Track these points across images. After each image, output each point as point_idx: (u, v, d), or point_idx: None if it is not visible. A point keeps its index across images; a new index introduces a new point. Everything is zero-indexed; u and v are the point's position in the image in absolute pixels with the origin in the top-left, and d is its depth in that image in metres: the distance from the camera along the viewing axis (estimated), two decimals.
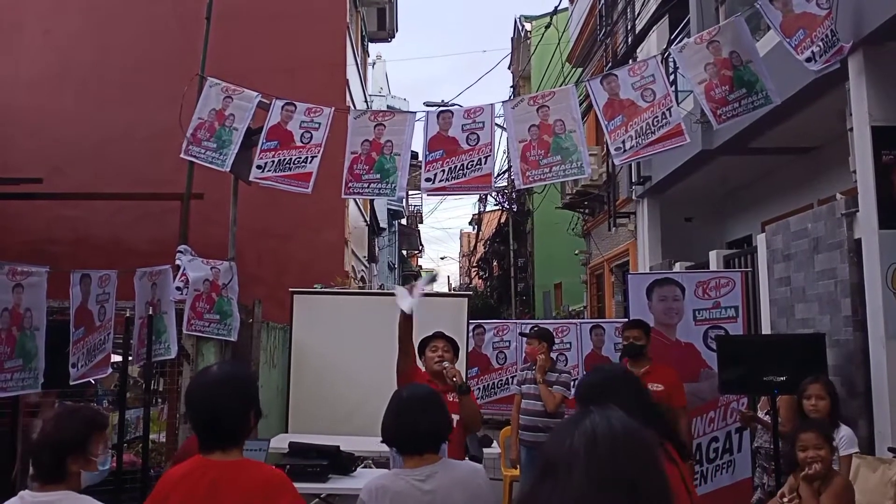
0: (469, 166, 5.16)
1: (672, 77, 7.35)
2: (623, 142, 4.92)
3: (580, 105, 5.70)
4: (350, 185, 5.31)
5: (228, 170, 5.43)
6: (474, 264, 32.39)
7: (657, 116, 4.83)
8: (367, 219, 17.33)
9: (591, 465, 1.17)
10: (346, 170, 5.30)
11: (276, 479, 2.25)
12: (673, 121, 4.81)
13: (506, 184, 21.43)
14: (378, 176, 5.28)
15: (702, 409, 6.07)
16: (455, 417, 3.78)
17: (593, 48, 13.00)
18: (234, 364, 2.96)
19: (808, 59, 4.57)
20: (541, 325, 7.28)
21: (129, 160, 10.32)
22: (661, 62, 5.12)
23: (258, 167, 5.33)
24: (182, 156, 5.49)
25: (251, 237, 9.11)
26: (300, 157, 5.30)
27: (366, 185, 5.31)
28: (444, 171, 5.18)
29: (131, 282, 4.70)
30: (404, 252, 35.28)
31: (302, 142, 5.33)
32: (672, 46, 5.81)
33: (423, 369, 4.07)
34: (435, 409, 2.59)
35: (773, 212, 8.13)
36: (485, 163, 5.16)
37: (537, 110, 5.12)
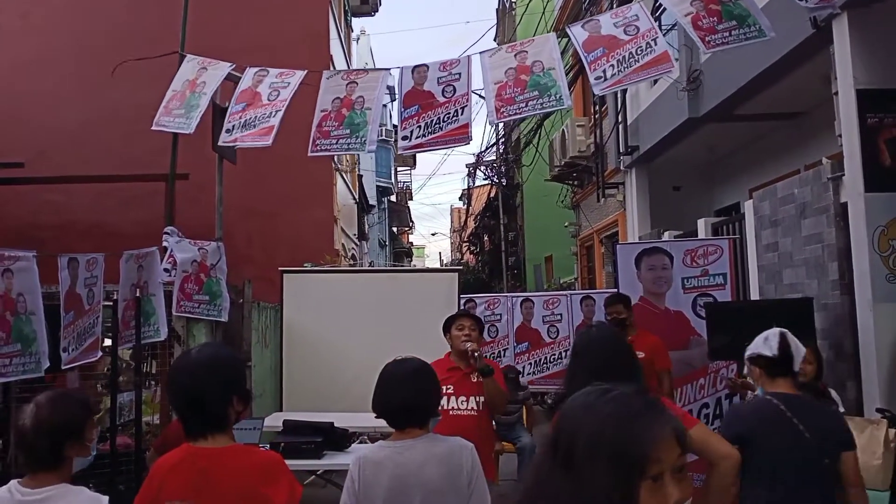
0: (445, 119, 4.88)
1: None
2: (604, 70, 4.61)
3: (567, 75, 5.59)
4: (318, 142, 5.03)
5: (191, 132, 5.28)
6: (465, 239, 32.38)
7: (641, 46, 4.59)
8: (356, 196, 17.26)
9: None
10: (315, 127, 5.02)
11: (272, 461, 2.22)
12: (658, 49, 4.55)
13: (494, 157, 21.41)
14: (347, 131, 4.99)
15: (691, 377, 6.12)
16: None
17: (578, 17, 12.88)
18: (215, 346, 2.91)
19: None
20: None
21: (112, 142, 10.17)
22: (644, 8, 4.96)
23: (227, 131, 5.16)
24: (153, 127, 5.35)
25: (239, 217, 9.04)
26: (265, 114, 5.08)
27: (334, 140, 5.01)
28: (419, 126, 4.91)
29: (118, 265, 4.67)
30: (394, 229, 35.25)
31: (269, 100, 5.13)
32: None
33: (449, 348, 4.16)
34: (413, 384, 2.55)
35: (760, 178, 8.14)
36: (461, 113, 4.87)
37: (515, 55, 4.87)
